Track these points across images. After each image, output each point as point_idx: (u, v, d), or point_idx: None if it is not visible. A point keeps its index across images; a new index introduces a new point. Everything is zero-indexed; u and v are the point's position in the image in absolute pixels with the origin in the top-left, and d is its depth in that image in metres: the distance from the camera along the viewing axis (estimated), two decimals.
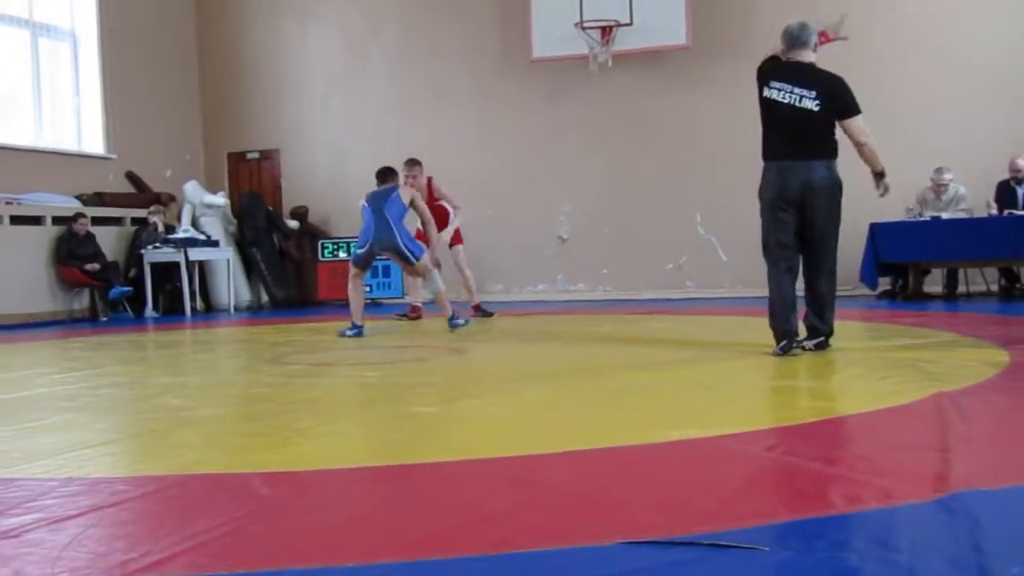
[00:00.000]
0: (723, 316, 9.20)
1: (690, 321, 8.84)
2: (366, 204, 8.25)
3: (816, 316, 5.87)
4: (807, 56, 5.76)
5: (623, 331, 8.24)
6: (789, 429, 3.64)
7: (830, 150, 5.69)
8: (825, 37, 5.95)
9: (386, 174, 8.59)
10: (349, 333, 8.08)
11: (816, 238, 5.75)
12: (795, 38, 5.76)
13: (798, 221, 5.70)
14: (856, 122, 5.64)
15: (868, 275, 10.56)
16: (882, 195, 5.85)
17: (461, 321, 8.29)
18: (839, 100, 5.64)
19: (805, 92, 5.61)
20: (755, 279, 12.20)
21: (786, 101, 5.64)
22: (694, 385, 4.92)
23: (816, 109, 5.60)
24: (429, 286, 8.40)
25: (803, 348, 5.80)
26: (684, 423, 3.81)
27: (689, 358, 5.95)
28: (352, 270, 8.33)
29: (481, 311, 9.85)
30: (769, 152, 5.79)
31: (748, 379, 5.08)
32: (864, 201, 10.74)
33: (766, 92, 5.73)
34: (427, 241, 8.54)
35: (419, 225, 8.73)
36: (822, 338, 5.85)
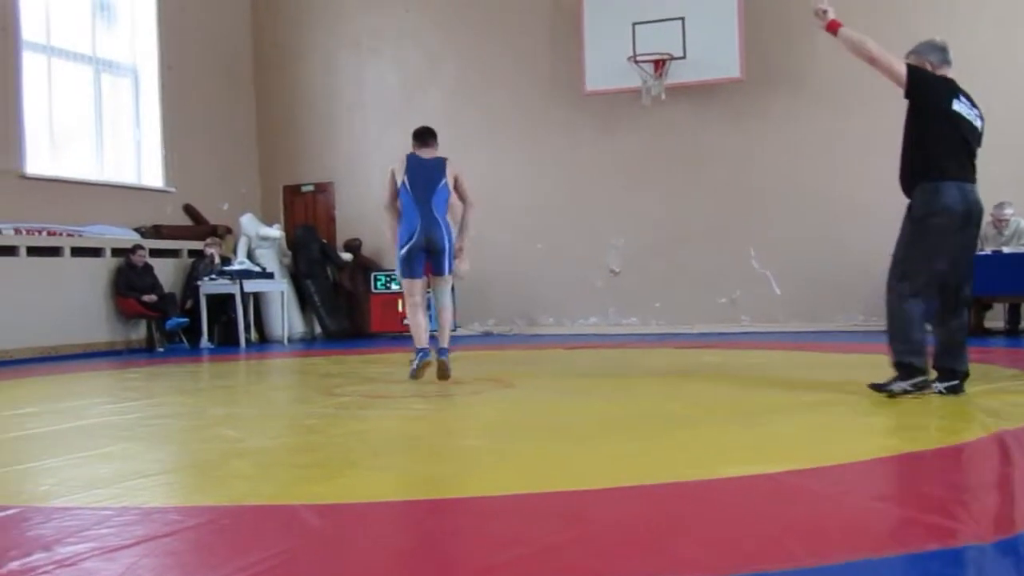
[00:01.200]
0: (777, 351, 9.08)
1: (744, 356, 8.74)
2: (406, 184, 6.76)
3: (954, 356, 5.34)
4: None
5: (675, 365, 8.17)
6: (848, 467, 3.56)
7: None
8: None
9: (427, 136, 6.98)
10: (414, 365, 6.81)
11: (969, 265, 5.40)
12: (948, 53, 5.46)
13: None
14: None
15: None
16: None
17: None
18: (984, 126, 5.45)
19: (978, 112, 5.40)
20: (809, 313, 12.14)
21: (968, 119, 5.32)
22: (749, 420, 4.85)
23: (982, 132, 5.41)
24: (440, 299, 6.99)
25: (936, 392, 5.28)
26: (739, 459, 3.76)
27: (743, 393, 5.88)
28: (405, 285, 6.89)
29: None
30: (946, 170, 5.25)
31: (805, 415, 4.99)
32: None
33: (956, 106, 5.29)
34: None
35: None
36: (957, 381, 5.30)
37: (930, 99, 5.32)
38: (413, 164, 6.85)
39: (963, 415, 4.66)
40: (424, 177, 6.80)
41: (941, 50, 5.46)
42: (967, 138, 5.30)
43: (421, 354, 6.78)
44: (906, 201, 5.42)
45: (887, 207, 11.41)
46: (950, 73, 5.46)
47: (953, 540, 2.51)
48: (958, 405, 4.98)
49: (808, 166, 11.97)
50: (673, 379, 6.99)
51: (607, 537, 2.70)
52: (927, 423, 4.59)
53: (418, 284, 6.84)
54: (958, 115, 5.28)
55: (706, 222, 12.42)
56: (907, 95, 5.35)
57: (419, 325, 6.83)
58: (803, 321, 11.72)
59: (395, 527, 2.98)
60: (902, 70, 5.29)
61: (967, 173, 5.30)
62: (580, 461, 3.90)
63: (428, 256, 6.80)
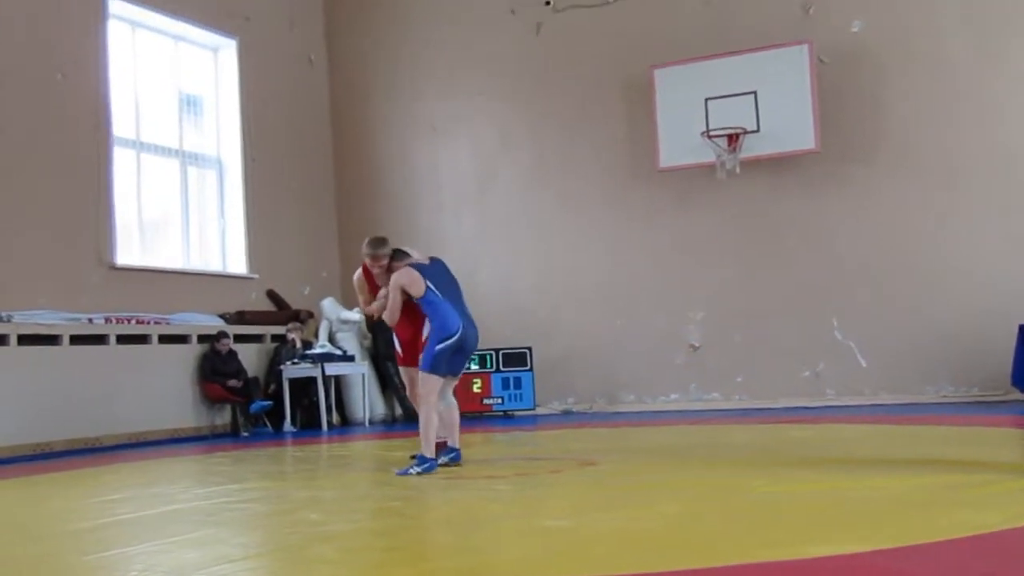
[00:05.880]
0: (865, 424, 8.86)
1: (830, 430, 8.54)
2: (432, 288, 6.61)
3: None
4: None
5: (760, 441, 8.01)
6: (944, 545, 3.45)
7: None
8: None
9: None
10: (415, 471, 6.42)
11: None
12: None
13: None
14: None
15: (1020, 379, 10.07)
16: None
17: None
18: None
19: None
20: (897, 385, 11.83)
21: None
22: (838, 497, 4.73)
23: None
24: (452, 399, 6.94)
25: None
26: (827, 538, 3.65)
27: (831, 469, 5.73)
28: (432, 383, 6.53)
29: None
30: None
31: (895, 491, 4.84)
32: (1015, 299, 10.35)
33: None
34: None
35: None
36: None
37: None
38: (427, 270, 6.78)
39: None
40: (445, 275, 6.87)
41: None
42: None
43: (429, 464, 6.48)
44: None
45: (969, 275, 11.20)
46: None
47: None
48: None
49: (888, 235, 11.79)
50: (758, 456, 6.85)
51: None
52: (1020, 499, 4.41)
53: (440, 384, 6.61)
54: None
55: (786, 294, 12.27)
56: None
57: (436, 429, 6.61)
58: (890, 393, 11.41)
59: None
60: None
61: None
62: (666, 541, 3.83)
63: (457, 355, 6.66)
